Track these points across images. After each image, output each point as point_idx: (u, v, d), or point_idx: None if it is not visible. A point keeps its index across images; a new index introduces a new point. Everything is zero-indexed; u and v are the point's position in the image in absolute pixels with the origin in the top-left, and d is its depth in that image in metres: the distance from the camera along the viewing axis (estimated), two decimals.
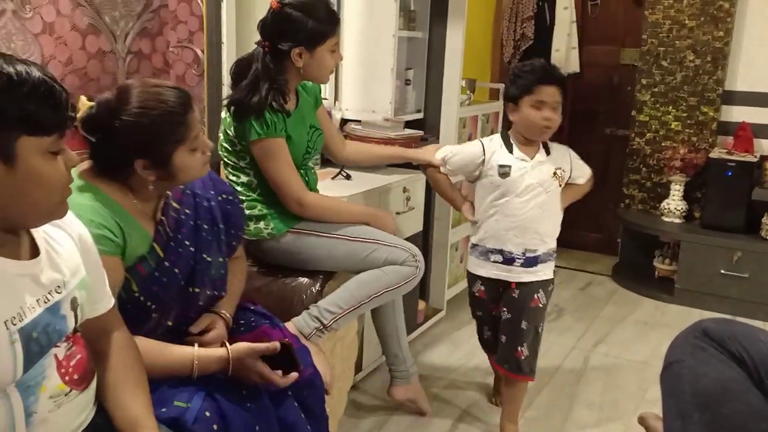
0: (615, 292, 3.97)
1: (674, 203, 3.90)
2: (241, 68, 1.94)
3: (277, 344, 1.45)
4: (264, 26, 1.92)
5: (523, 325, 2.20)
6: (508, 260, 2.19)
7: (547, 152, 2.20)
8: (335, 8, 2.85)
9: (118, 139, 1.34)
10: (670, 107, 3.97)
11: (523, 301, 2.20)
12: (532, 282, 2.19)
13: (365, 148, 2.41)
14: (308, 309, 1.90)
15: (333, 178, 2.49)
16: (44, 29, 1.86)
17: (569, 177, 2.23)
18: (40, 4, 1.84)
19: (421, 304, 3.13)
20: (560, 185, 2.19)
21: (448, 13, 3.06)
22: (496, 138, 2.23)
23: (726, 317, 1.23)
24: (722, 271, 3.60)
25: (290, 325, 1.85)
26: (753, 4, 3.76)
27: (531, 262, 2.18)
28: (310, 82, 2.11)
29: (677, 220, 3.89)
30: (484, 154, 2.19)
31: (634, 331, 3.41)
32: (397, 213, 2.62)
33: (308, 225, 1.98)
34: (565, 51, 4.20)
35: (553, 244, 2.23)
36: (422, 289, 3.12)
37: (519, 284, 2.20)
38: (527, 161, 2.16)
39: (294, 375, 1.45)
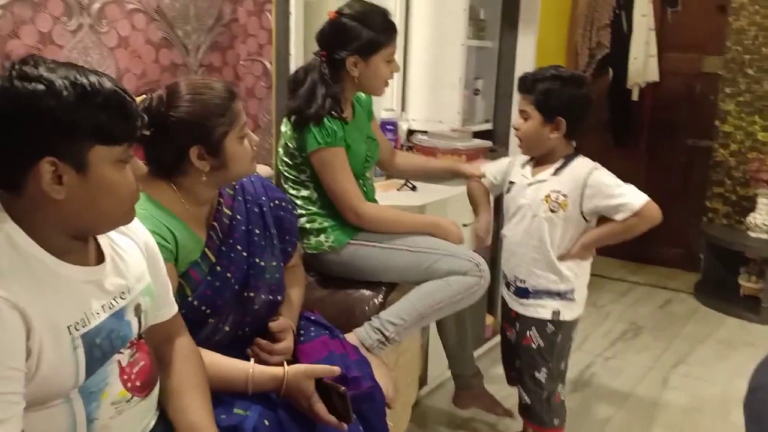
0: (697, 310, 3.78)
1: (761, 217, 3.68)
2: (298, 78, 1.96)
3: (336, 369, 1.44)
4: (321, 36, 1.95)
5: (517, 363, 2.03)
6: (507, 283, 2.05)
7: (558, 171, 1.92)
8: (404, 17, 2.88)
9: (172, 129, 1.38)
10: (757, 117, 3.77)
11: (519, 335, 2.01)
12: (526, 316, 1.98)
13: (415, 159, 2.36)
14: (370, 320, 1.87)
15: (398, 189, 2.47)
16: (119, 43, 1.92)
17: (573, 205, 1.88)
18: (115, 18, 1.90)
19: (489, 319, 3.06)
20: (552, 210, 1.89)
21: (519, 21, 3.01)
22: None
23: None
24: None
25: (352, 337, 1.83)
26: None
27: (521, 292, 1.98)
28: (363, 96, 2.12)
29: (764, 236, 3.67)
30: (509, 169, 2.08)
31: (717, 351, 3.23)
32: (464, 225, 2.56)
33: (369, 236, 1.95)
34: (643, 59, 4.05)
35: (554, 284, 1.93)
36: (490, 303, 3.05)
37: (518, 314, 2.02)
38: (527, 179, 1.97)
39: (342, 425, 1.39)
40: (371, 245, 1.95)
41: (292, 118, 1.93)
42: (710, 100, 4.05)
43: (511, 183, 2.03)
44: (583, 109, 1.93)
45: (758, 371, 1.06)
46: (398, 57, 2.86)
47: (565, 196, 1.88)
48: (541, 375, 1.97)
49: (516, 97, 3.00)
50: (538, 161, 1.99)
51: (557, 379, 2.00)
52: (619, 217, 1.85)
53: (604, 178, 1.88)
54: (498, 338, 3.09)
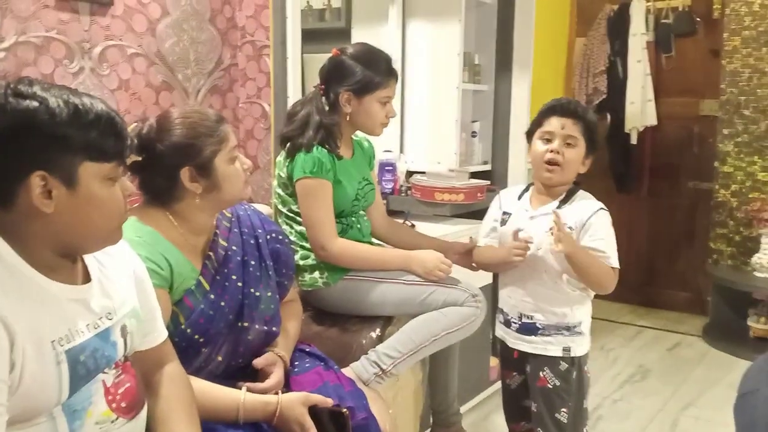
0: (706, 353, 3.70)
1: (766, 258, 3.65)
2: (295, 109, 2.01)
3: (330, 400, 1.43)
4: (322, 70, 2.00)
5: (534, 407, 1.90)
6: (507, 322, 1.94)
7: (562, 204, 1.86)
8: (401, 61, 2.95)
9: (163, 152, 1.42)
10: (756, 157, 3.79)
11: (532, 378, 1.90)
12: (534, 355, 1.88)
13: (406, 233, 2.23)
14: (367, 354, 1.86)
15: None
16: (120, 85, 1.99)
17: (576, 238, 1.81)
18: (116, 62, 1.97)
19: (494, 361, 3.01)
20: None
21: (513, 66, 3.07)
22: (521, 186, 2.02)
23: None
24: None
25: (349, 371, 1.81)
26: None
27: (528, 329, 1.88)
28: (366, 143, 2.15)
29: None
30: (500, 204, 1.99)
31: (729, 395, 3.10)
32: None
33: (363, 271, 1.95)
34: (640, 104, 4.10)
35: (563, 318, 1.86)
36: (494, 345, 3.01)
37: (521, 354, 1.91)
38: (529, 210, 1.90)
39: None
40: (366, 280, 1.94)
41: (286, 145, 1.96)
42: (709, 142, 4.09)
43: (507, 214, 1.95)
44: None
45: (746, 377, 1.05)
46: (396, 100, 2.94)
47: (571, 228, 1.81)
48: (562, 416, 1.86)
49: (517, 137, 3.08)
50: (539, 193, 1.91)
51: (580, 419, 1.90)
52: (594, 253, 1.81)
53: (605, 221, 1.84)
54: None
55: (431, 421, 2.25)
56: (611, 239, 1.83)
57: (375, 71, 1.94)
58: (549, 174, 1.84)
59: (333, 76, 1.96)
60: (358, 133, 2.10)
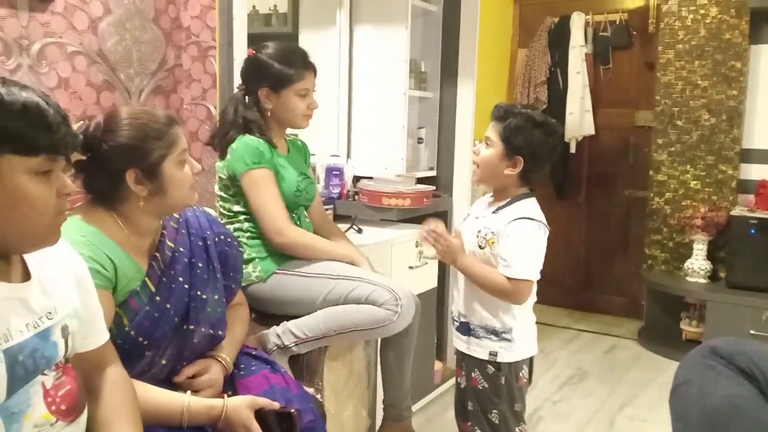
0: (641, 355, 3.83)
1: (698, 263, 3.80)
2: (222, 110, 2.10)
3: (276, 404, 1.43)
4: (241, 71, 2.09)
5: (469, 405, 1.94)
6: (452, 320, 2.01)
7: (499, 210, 1.88)
8: (348, 67, 2.96)
9: (108, 153, 1.38)
10: (688, 166, 3.95)
11: (467, 377, 1.94)
12: (468, 355, 1.92)
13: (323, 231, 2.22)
14: (277, 326, 1.90)
15: (345, 232, 2.48)
16: (59, 84, 1.93)
17: (493, 245, 1.84)
18: (55, 60, 1.91)
19: (438, 365, 3.05)
20: (480, 247, 1.86)
21: (458, 74, 3.13)
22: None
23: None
24: (752, 332, 3.45)
25: (254, 339, 1.86)
26: (766, 63, 3.78)
27: (464, 329, 1.93)
28: (300, 142, 2.22)
29: (702, 280, 3.79)
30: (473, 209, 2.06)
31: (662, 395, 3.24)
32: (410, 267, 2.59)
33: (293, 265, 1.98)
34: (579, 114, 4.23)
35: (490, 321, 1.87)
36: (439, 348, 3.04)
37: (458, 351, 1.97)
38: (477, 214, 1.96)
39: None
40: (296, 275, 1.96)
41: (218, 146, 2.01)
42: (644, 151, 4.24)
43: (468, 215, 2.03)
44: (546, 157, 1.89)
45: (680, 368, 1.09)
46: (342, 105, 2.95)
47: (493, 233, 1.83)
48: (493, 417, 1.90)
49: (461, 145, 3.14)
50: (494, 198, 1.94)
51: (512, 421, 1.92)
52: (499, 266, 1.81)
53: (522, 231, 1.81)
54: (446, 385, 3.09)
55: (383, 415, 2.25)
56: (521, 249, 1.80)
57: (289, 65, 2.01)
58: (473, 173, 1.95)
59: (250, 75, 2.05)
60: (290, 132, 2.15)
